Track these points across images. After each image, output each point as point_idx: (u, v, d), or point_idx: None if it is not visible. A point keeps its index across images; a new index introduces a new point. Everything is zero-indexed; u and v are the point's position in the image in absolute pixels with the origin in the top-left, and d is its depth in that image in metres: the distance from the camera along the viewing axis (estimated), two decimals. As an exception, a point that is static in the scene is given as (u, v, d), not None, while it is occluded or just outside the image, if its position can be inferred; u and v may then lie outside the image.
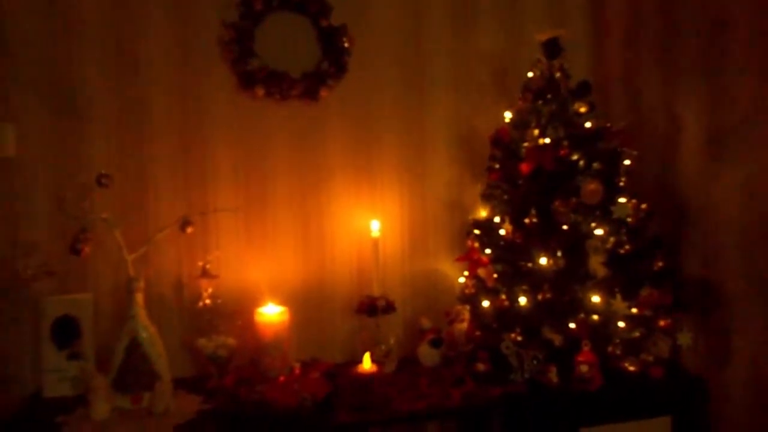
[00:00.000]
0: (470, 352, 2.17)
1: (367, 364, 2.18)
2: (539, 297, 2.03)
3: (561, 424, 1.97)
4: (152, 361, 1.94)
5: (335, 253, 2.37)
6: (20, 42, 2.09)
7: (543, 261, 2.03)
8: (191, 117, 2.24)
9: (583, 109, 2.12)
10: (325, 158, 2.36)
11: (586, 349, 1.98)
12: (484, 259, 2.20)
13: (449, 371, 2.13)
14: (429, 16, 2.45)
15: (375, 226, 2.28)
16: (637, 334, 2.03)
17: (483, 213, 2.30)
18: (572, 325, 2.02)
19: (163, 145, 2.21)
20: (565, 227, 2.04)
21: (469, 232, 2.28)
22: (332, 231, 2.37)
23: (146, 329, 1.95)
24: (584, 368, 1.96)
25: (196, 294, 2.18)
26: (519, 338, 2.03)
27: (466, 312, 2.27)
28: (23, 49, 2.09)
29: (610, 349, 2.02)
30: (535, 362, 2.02)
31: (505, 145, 2.23)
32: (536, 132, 2.11)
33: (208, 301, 2.15)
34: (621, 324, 2.01)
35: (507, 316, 2.09)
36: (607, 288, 2.02)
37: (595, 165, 2.07)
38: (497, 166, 2.25)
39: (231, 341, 2.13)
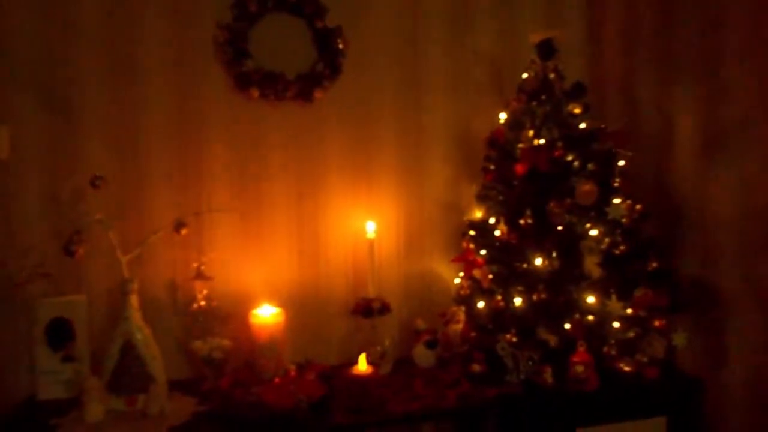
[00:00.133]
0: (466, 353, 2.17)
1: (362, 365, 2.18)
2: (534, 298, 2.03)
3: (556, 424, 1.97)
4: (147, 362, 1.93)
5: (330, 254, 2.37)
6: (15, 43, 2.07)
7: (538, 262, 2.03)
8: (186, 118, 2.23)
9: (577, 110, 2.12)
10: (321, 159, 2.36)
11: (581, 349, 1.98)
12: (480, 260, 2.20)
13: (445, 372, 2.14)
14: (425, 17, 2.45)
15: (370, 228, 2.28)
16: (632, 334, 2.03)
17: (478, 214, 2.30)
18: (567, 326, 2.02)
19: (158, 146, 2.20)
20: (560, 228, 2.05)
21: (465, 233, 2.29)
22: (327, 232, 2.37)
23: (141, 331, 1.95)
24: (579, 369, 1.96)
25: (190, 296, 2.17)
26: (514, 339, 2.04)
27: (461, 313, 2.27)
28: (18, 50, 2.08)
29: (605, 349, 2.03)
30: (530, 363, 2.02)
31: (500, 146, 2.24)
32: (531, 133, 2.11)
33: (203, 303, 2.15)
34: (616, 324, 2.02)
35: (502, 316, 2.09)
36: (602, 288, 2.02)
37: (590, 166, 2.08)
38: (492, 167, 2.25)
39: (226, 343, 2.12)
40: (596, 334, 2.02)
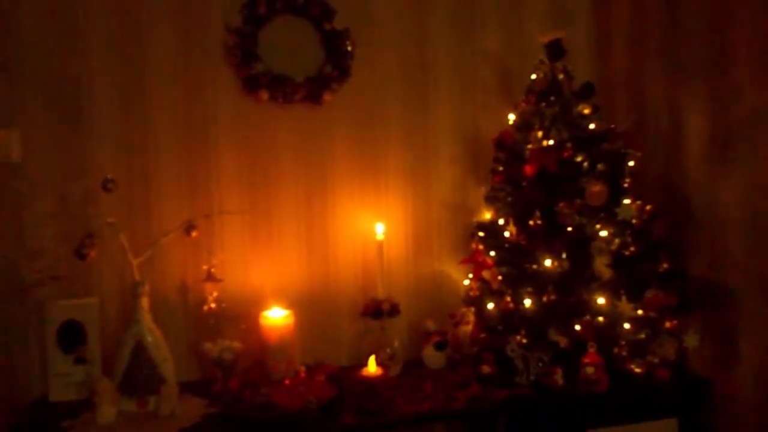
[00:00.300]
0: (475, 354, 2.16)
1: (372, 367, 2.18)
2: (544, 299, 2.02)
3: (567, 426, 1.97)
4: (158, 364, 1.94)
5: (340, 255, 2.38)
6: (26, 48, 2.09)
7: (548, 263, 2.03)
8: (196, 121, 2.24)
9: (586, 111, 2.12)
10: (330, 161, 2.36)
11: (591, 350, 1.97)
12: (489, 261, 2.20)
13: (454, 374, 2.14)
14: (432, 18, 2.45)
15: (379, 229, 2.28)
16: (642, 335, 2.02)
17: (487, 215, 2.30)
18: (578, 327, 2.01)
19: (168, 149, 2.22)
20: (569, 229, 2.04)
21: (474, 235, 2.28)
22: (337, 234, 2.37)
23: (151, 333, 1.96)
24: (590, 370, 1.95)
25: (201, 298, 2.18)
26: (524, 340, 2.03)
27: (471, 314, 2.27)
28: (29, 55, 2.10)
29: (615, 350, 2.02)
30: (540, 364, 2.01)
31: (509, 147, 2.23)
32: (540, 134, 2.10)
33: (213, 305, 2.16)
34: (627, 326, 2.01)
35: (512, 318, 2.08)
36: (612, 290, 2.01)
37: (600, 166, 2.07)
38: (501, 168, 2.25)
39: (236, 345, 2.13)
40: (607, 335, 2.02)
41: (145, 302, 1.97)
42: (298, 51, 2.30)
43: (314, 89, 2.29)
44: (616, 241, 2.04)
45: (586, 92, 2.14)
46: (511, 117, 2.26)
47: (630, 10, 2.42)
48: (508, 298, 2.09)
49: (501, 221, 2.20)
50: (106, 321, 2.13)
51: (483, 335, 2.18)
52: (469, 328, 2.26)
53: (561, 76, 2.16)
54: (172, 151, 2.22)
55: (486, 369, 2.07)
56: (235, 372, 2.11)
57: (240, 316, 2.21)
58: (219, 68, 2.25)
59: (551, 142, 2.09)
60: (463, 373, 2.13)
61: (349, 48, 2.31)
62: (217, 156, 2.26)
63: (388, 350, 2.20)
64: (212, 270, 2.16)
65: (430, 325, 2.30)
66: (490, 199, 2.27)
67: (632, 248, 2.03)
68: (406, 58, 2.43)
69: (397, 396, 1.97)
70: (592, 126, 2.12)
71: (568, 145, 2.07)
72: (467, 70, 2.48)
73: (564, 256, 2.03)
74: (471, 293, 2.26)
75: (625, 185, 2.08)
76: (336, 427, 1.84)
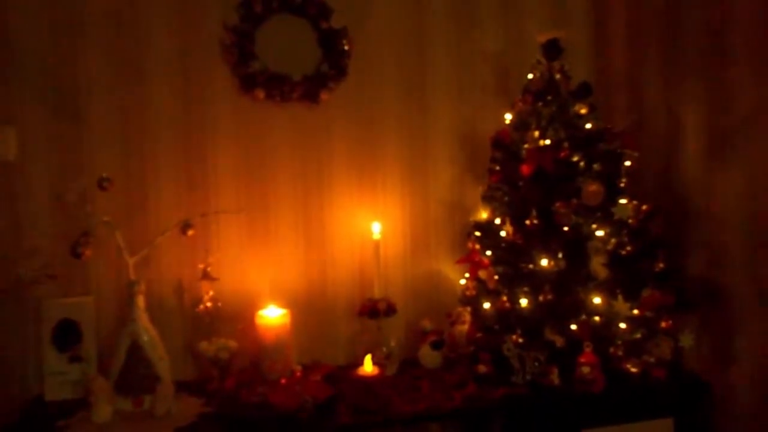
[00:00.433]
0: (472, 353, 2.16)
1: (368, 366, 2.18)
2: (540, 298, 2.02)
3: (563, 425, 1.97)
4: (153, 363, 1.94)
5: (336, 255, 2.37)
6: (23, 46, 2.09)
7: (544, 262, 2.03)
8: (192, 119, 2.24)
9: (583, 111, 2.12)
10: (327, 160, 2.36)
11: (587, 350, 1.97)
12: (485, 260, 2.20)
13: (451, 373, 2.14)
14: (430, 17, 2.45)
15: (376, 228, 2.28)
16: (638, 335, 2.02)
17: (484, 215, 2.30)
18: (574, 327, 2.02)
19: (165, 148, 2.21)
20: (566, 229, 2.04)
21: (470, 234, 2.28)
22: (333, 233, 2.37)
23: (147, 332, 1.96)
24: (586, 370, 1.96)
25: (197, 297, 2.17)
26: (520, 340, 2.03)
27: (467, 314, 2.27)
28: (26, 52, 2.09)
29: (611, 350, 2.02)
30: (536, 364, 2.01)
31: (506, 146, 2.23)
32: (536, 133, 2.10)
33: (209, 304, 2.15)
34: (623, 325, 2.01)
35: (508, 317, 2.08)
36: (608, 289, 2.02)
37: (596, 166, 2.07)
38: (498, 167, 2.25)
39: (232, 344, 2.12)
40: (603, 334, 2.02)
41: (140, 301, 1.96)
42: (295, 50, 2.30)
43: (311, 88, 2.29)
44: (613, 240, 2.04)
45: (583, 92, 2.14)
46: (508, 116, 2.26)
47: (628, 9, 2.42)
48: (505, 298, 2.09)
49: (498, 221, 2.20)
50: (102, 320, 2.13)
51: (479, 335, 2.18)
52: (466, 327, 2.26)
53: (558, 76, 2.16)
54: (168, 149, 2.22)
55: (482, 368, 2.07)
56: (231, 371, 2.11)
57: (236, 315, 2.21)
58: (216, 67, 2.25)
59: (548, 141, 2.09)
60: (459, 372, 2.13)
61: (347, 47, 2.31)
62: (213, 154, 2.26)
63: (384, 350, 2.20)
64: (208, 269, 2.16)
65: (427, 324, 2.30)
66: (487, 199, 2.27)
67: (628, 248, 2.03)
68: (404, 57, 2.43)
69: (394, 395, 1.97)
70: (588, 126, 2.12)
71: (565, 144, 2.07)
72: (465, 69, 2.48)
73: (560, 255, 2.03)
74: (467, 293, 2.26)
75: (622, 185, 2.09)
76: (332, 426, 1.84)
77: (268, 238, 2.31)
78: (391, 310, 2.25)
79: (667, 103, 2.23)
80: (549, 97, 2.14)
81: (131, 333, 1.94)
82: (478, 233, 2.25)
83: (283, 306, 2.20)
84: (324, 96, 2.31)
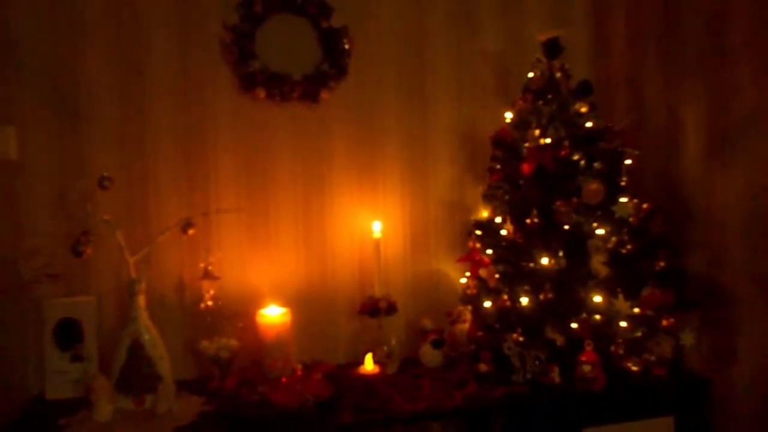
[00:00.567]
0: (472, 352, 2.16)
1: (369, 365, 2.19)
2: (541, 297, 2.02)
3: (563, 424, 1.97)
4: (154, 362, 1.94)
5: (337, 254, 2.38)
6: (24, 46, 2.09)
7: (545, 261, 2.03)
8: (193, 119, 2.24)
9: (583, 109, 2.12)
10: (327, 159, 2.36)
11: (588, 349, 1.97)
12: (486, 259, 2.20)
13: (451, 372, 2.14)
14: (431, 17, 2.45)
15: (377, 227, 2.28)
16: (639, 333, 2.02)
17: (484, 213, 2.29)
18: (574, 325, 2.01)
19: (165, 147, 2.22)
20: (566, 227, 2.04)
21: (471, 233, 2.28)
22: (334, 232, 2.37)
23: (148, 331, 1.96)
24: (587, 368, 1.96)
25: (198, 296, 2.17)
26: (521, 338, 2.03)
27: (467, 312, 2.27)
28: (27, 52, 2.09)
29: (612, 349, 2.02)
30: (537, 362, 2.01)
31: (506, 145, 2.23)
32: (537, 132, 2.10)
33: (210, 303, 2.15)
34: (623, 324, 2.01)
35: (509, 316, 2.08)
36: (609, 288, 2.02)
37: (597, 165, 2.07)
38: (498, 166, 2.25)
39: (233, 343, 2.13)
40: (603, 333, 2.02)
41: (141, 300, 1.97)
42: (295, 49, 2.30)
43: (311, 87, 2.29)
44: (613, 239, 2.04)
45: (583, 90, 2.14)
46: (509, 115, 2.26)
47: (629, 8, 2.42)
48: (505, 296, 2.09)
49: (498, 219, 2.20)
50: (103, 319, 2.13)
51: (480, 333, 2.18)
52: (466, 326, 2.26)
53: (558, 75, 2.16)
54: (169, 148, 2.22)
55: (483, 367, 2.07)
56: (231, 370, 2.11)
57: (237, 314, 2.21)
58: (216, 66, 2.25)
59: (548, 140, 2.09)
60: (460, 371, 2.13)
61: (347, 46, 2.31)
62: (214, 154, 2.26)
63: (385, 348, 2.20)
64: (209, 268, 2.16)
65: (427, 323, 2.30)
66: (488, 197, 2.27)
67: (629, 246, 2.03)
68: (404, 56, 2.43)
69: (394, 394, 1.97)
70: (589, 124, 2.11)
71: (565, 143, 2.07)
72: (465, 68, 2.48)
73: (561, 254, 2.03)
74: (468, 291, 2.26)
75: (622, 183, 2.09)
76: (333, 425, 1.84)
77: (268, 236, 2.31)
78: (391, 308, 2.25)
79: (668, 102, 2.23)
80: (549, 96, 2.14)
81: (132, 332, 1.94)
82: (478, 232, 2.25)
83: (284, 305, 2.20)
84: (324, 95, 2.31)
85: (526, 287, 2.07)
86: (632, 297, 2.01)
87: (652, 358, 2.03)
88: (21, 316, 2.10)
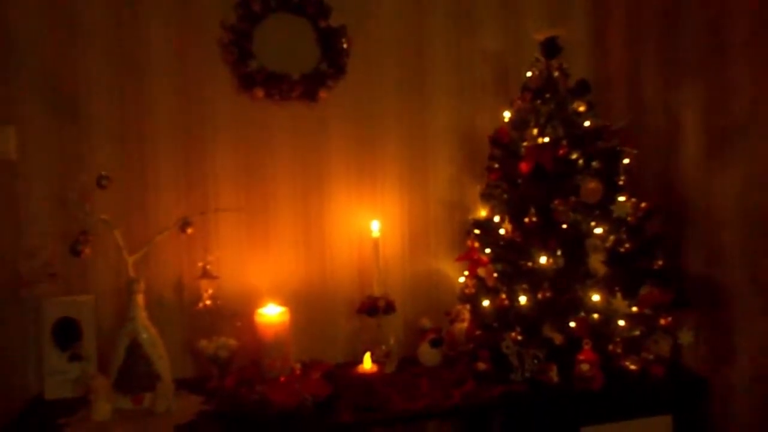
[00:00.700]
0: (471, 351, 2.17)
1: (367, 364, 2.19)
2: (539, 296, 2.02)
3: (562, 423, 1.97)
4: (153, 361, 1.94)
5: (336, 253, 2.38)
6: (23, 45, 2.09)
7: (543, 260, 2.03)
8: (191, 118, 2.24)
9: (582, 108, 2.12)
10: (326, 159, 2.36)
11: (586, 347, 1.98)
12: (484, 258, 2.20)
13: (450, 371, 2.14)
14: (430, 16, 2.45)
15: (375, 227, 2.29)
16: (637, 332, 2.03)
17: (483, 212, 2.30)
18: (573, 324, 2.01)
19: (164, 147, 2.22)
20: (564, 226, 2.04)
21: (469, 232, 2.29)
22: (333, 231, 2.37)
23: (147, 330, 1.96)
24: (585, 367, 1.96)
25: (196, 295, 2.18)
26: (519, 337, 2.03)
27: (466, 311, 2.27)
28: (26, 52, 2.10)
29: (610, 347, 2.02)
30: (535, 361, 2.02)
31: (505, 144, 2.23)
32: (535, 131, 2.11)
33: (208, 302, 2.16)
34: (621, 322, 2.01)
35: (507, 315, 2.09)
36: (607, 287, 2.02)
37: (595, 164, 2.07)
38: (497, 165, 2.25)
39: (232, 342, 2.13)
40: (601, 332, 2.02)
41: (140, 299, 1.97)
42: (293, 48, 2.30)
43: (310, 86, 2.29)
44: (611, 238, 2.04)
45: (582, 89, 2.14)
46: (507, 114, 2.26)
47: (628, 8, 2.42)
48: (503, 295, 2.10)
49: (496, 218, 2.21)
50: (102, 318, 2.13)
51: (478, 332, 2.18)
52: (465, 325, 2.26)
53: (556, 74, 2.16)
54: (167, 148, 2.22)
55: (481, 366, 2.07)
56: (230, 369, 2.11)
57: (235, 313, 2.21)
58: (215, 66, 2.25)
59: (546, 139, 2.09)
60: (458, 370, 2.13)
61: (345, 45, 2.31)
62: (213, 153, 2.26)
63: (383, 347, 2.20)
64: (208, 267, 2.17)
65: (426, 322, 2.30)
66: (486, 197, 2.27)
67: (627, 245, 2.03)
68: (403, 56, 2.43)
69: (393, 393, 1.98)
70: (587, 123, 2.12)
71: (564, 142, 2.07)
72: (464, 67, 2.48)
73: (559, 253, 2.03)
74: (466, 290, 2.26)
75: (620, 182, 2.09)
76: (331, 424, 1.84)
77: (267, 236, 2.32)
78: (390, 307, 2.25)
79: (666, 102, 2.23)
80: (548, 95, 2.14)
81: (131, 331, 1.94)
82: (477, 231, 2.26)
83: (283, 304, 2.20)
84: (323, 94, 2.31)
85: (525, 286, 2.07)
86: (630, 296, 2.01)
87: (651, 356, 2.03)
88: (20, 316, 2.10)
